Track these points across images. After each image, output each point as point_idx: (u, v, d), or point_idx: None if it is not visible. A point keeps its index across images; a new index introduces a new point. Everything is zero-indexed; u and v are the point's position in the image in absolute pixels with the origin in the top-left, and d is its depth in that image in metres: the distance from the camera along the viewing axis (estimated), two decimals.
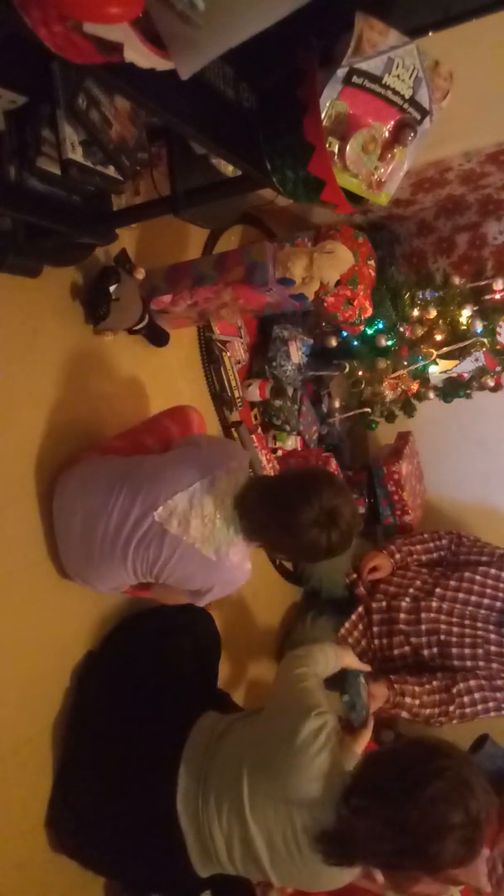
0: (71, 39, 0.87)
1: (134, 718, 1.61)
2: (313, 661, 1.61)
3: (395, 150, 1.38)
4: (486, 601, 2.53)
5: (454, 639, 2.47)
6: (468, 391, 2.80)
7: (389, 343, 2.60)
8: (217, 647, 1.91)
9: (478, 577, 2.56)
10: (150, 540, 1.54)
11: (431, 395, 2.78)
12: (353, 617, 2.61)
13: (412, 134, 1.36)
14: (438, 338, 2.63)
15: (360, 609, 2.62)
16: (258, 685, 2.48)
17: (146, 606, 1.92)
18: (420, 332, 2.61)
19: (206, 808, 1.45)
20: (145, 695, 1.65)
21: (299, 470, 1.74)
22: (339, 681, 1.75)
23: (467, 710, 2.41)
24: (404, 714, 2.45)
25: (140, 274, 1.92)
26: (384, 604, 2.58)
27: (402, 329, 2.61)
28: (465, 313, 2.61)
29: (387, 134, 1.36)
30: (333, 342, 2.69)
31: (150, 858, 1.51)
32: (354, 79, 1.26)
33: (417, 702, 2.45)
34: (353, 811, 1.32)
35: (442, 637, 2.48)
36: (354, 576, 2.70)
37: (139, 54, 0.91)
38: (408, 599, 2.55)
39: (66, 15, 0.83)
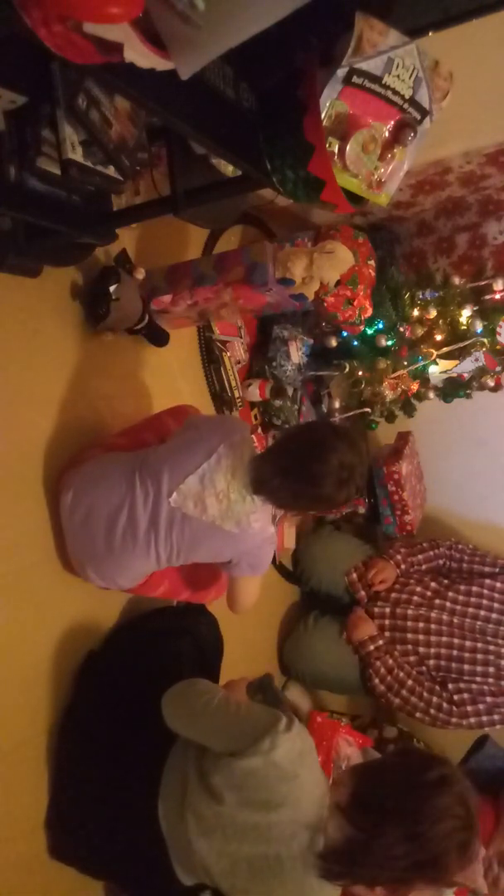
0: (71, 39, 0.87)
1: (131, 720, 1.60)
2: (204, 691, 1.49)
3: (395, 150, 1.38)
4: (494, 615, 2.58)
5: (466, 654, 2.52)
6: (468, 391, 2.79)
7: (389, 343, 2.59)
8: (219, 649, 1.90)
9: (486, 591, 2.60)
10: (170, 525, 1.59)
11: (431, 395, 2.77)
12: None
13: (412, 134, 1.36)
14: (438, 338, 2.63)
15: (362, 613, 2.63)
16: None
17: (148, 607, 1.92)
18: (420, 332, 2.61)
19: (183, 818, 1.39)
20: (144, 696, 1.64)
21: (305, 433, 1.69)
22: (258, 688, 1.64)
23: (472, 720, 2.43)
24: (403, 706, 2.46)
25: (140, 274, 1.92)
26: (387, 609, 2.60)
27: (402, 329, 2.60)
28: (465, 313, 2.61)
29: (387, 134, 1.36)
30: (333, 342, 2.68)
31: (141, 863, 1.49)
32: (354, 79, 1.25)
33: (415, 698, 2.46)
34: (364, 829, 1.28)
35: (454, 652, 2.52)
36: (355, 576, 2.71)
37: (139, 54, 0.91)
38: (412, 608, 2.58)
39: (66, 15, 0.83)
